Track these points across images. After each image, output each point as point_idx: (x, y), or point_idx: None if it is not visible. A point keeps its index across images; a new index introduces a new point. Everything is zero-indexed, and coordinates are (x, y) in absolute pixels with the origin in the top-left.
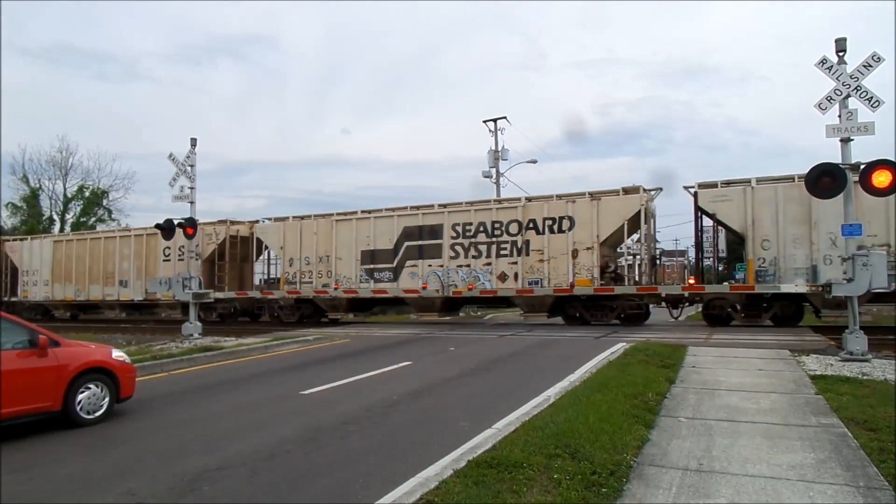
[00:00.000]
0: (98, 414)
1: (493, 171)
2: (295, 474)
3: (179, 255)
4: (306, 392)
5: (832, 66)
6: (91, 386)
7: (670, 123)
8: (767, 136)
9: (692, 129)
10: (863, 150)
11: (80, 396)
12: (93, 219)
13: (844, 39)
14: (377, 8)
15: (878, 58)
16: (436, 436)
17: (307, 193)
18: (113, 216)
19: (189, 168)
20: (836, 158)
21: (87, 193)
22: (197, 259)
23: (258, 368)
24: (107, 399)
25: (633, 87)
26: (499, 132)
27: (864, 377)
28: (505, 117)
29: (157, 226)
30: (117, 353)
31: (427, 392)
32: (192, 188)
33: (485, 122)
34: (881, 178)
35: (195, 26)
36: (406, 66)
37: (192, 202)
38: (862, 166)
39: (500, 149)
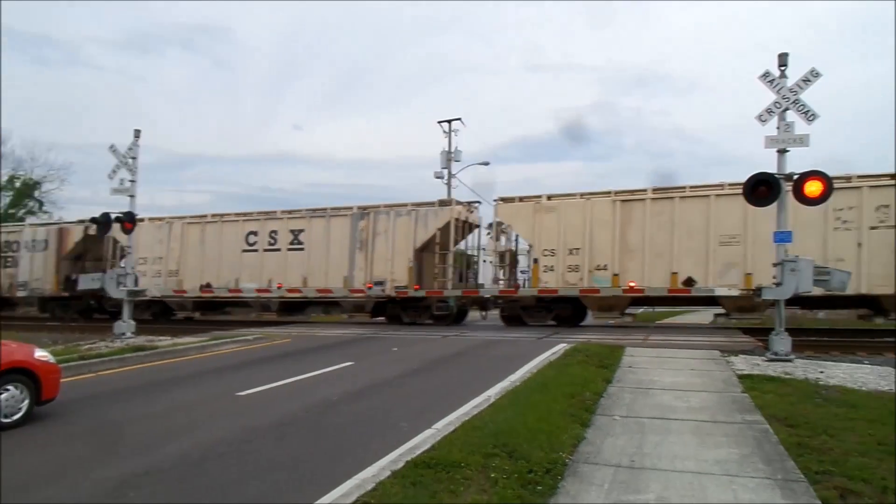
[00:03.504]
0: (16, 417)
1: (445, 172)
2: (228, 478)
3: None
4: (243, 393)
5: (774, 80)
6: (10, 387)
7: (620, 129)
8: (711, 145)
9: (640, 136)
10: (801, 163)
11: None
12: (22, 210)
13: (787, 55)
14: (332, 6)
15: (816, 73)
16: (375, 437)
17: (253, 189)
18: (45, 208)
19: (131, 160)
20: (774, 168)
21: (17, 184)
22: (129, 253)
23: (194, 369)
24: (26, 401)
25: (585, 93)
26: (453, 133)
27: (787, 376)
28: (459, 118)
29: (93, 220)
30: (40, 353)
31: (368, 393)
32: (132, 181)
33: (439, 122)
34: (813, 188)
35: (144, 13)
36: (360, 64)
37: (132, 196)
38: (795, 176)
39: (453, 150)
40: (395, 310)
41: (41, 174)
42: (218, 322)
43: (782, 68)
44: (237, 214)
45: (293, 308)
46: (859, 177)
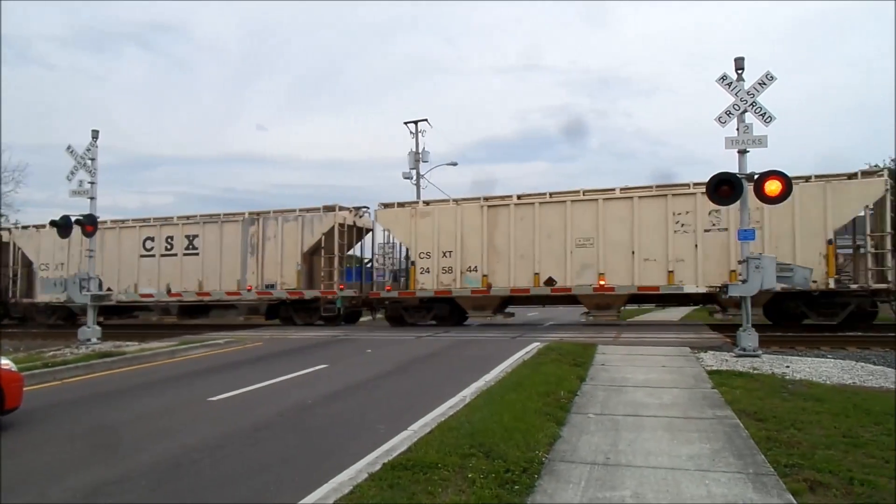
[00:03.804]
0: None
1: (414, 172)
2: (202, 485)
3: None
4: (216, 398)
5: (731, 83)
6: None
7: (585, 131)
8: (674, 146)
9: (605, 137)
10: (761, 164)
11: None
12: None
13: (743, 59)
14: (295, 6)
15: (771, 76)
16: (351, 439)
17: (220, 191)
18: (1, 211)
19: (89, 161)
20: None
21: None
22: (91, 256)
23: (164, 374)
24: None
25: (550, 95)
26: (420, 134)
27: (755, 371)
28: (426, 119)
29: (52, 222)
30: (2, 361)
31: (343, 395)
32: (92, 183)
33: (406, 123)
34: (772, 187)
35: (96, 10)
36: (325, 65)
37: (92, 198)
38: (756, 176)
39: (420, 151)
40: (287, 311)
41: None
42: (187, 326)
43: (739, 72)
44: (135, 220)
45: (194, 311)
46: (695, 184)
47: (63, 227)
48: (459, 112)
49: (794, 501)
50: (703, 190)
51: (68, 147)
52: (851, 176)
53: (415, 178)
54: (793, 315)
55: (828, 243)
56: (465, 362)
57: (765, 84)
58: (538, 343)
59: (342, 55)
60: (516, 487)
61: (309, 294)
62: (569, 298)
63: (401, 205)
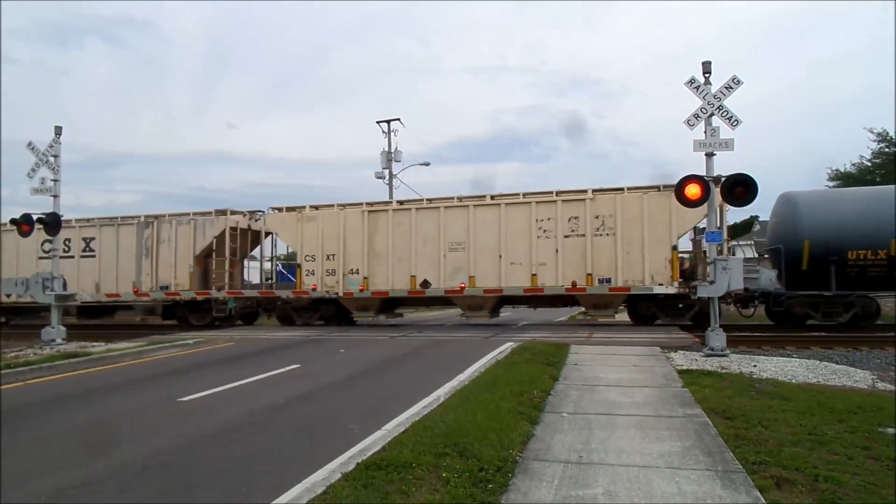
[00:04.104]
0: None
1: (387, 172)
2: (171, 487)
3: None
4: (185, 399)
5: (699, 86)
6: None
7: (556, 131)
8: (645, 147)
9: (577, 138)
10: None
11: None
12: None
13: (710, 62)
14: (266, 3)
15: (738, 80)
16: (324, 440)
17: (189, 189)
18: None
19: (52, 159)
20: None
21: None
22: (53, 256)
23: (132, 375)
24: None
25: (522, 95)
26: (392, 134)
27: (723, 370)
28: (398, 119)
29: (13, 221)
30: None
31: (315, 395)
32: (55, 180)
33: (378, 122)
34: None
35: (59, 3)
36: (297, 62)
37: (55, 196)
38: (722, 179)
39: (393, 150)
40: (183, 312)
41: None
42: (156, 326)
43: (706, 75)
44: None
45: (93, 312)
46: (557, 192)
47: (24, 225)
48: (432, 112)
49: (762, 498)
50: (564, 198)
51: (29, 143)
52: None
53: (387, 177)
54: (646, 316)
55: (672, 249)
56: (439, 362)
57: (731, 88)
58: (512, 343)
59: (314, 54)
60: (490, 486)
61: (200, 296)
62: (441, 300)
63: (289, 209)
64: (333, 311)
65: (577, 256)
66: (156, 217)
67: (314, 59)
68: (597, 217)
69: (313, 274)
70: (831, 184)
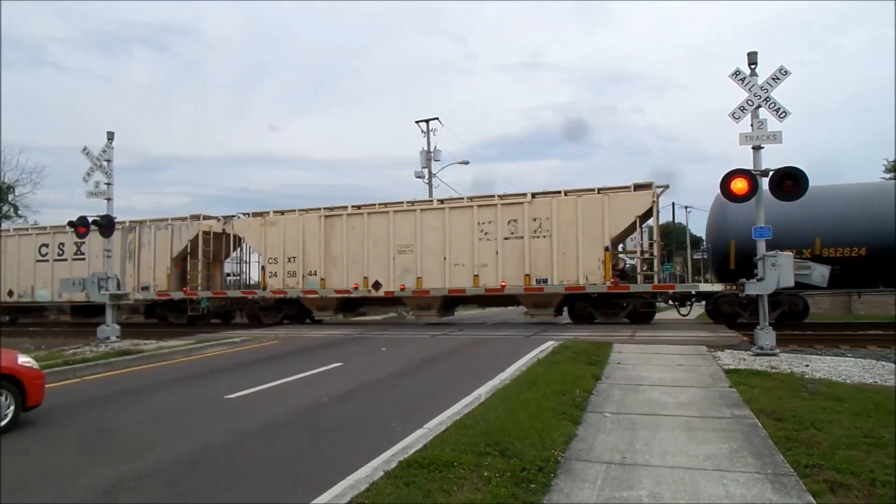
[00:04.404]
0: (2, 423)
1: (426, 171)
2: (219, 481)
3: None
4: (232, 396)
5: (745, 78)
6: None
7: (595, 128)
8: (686, 142)
9: (616, 134)
10: (775, 158)
11: None
12: None
13: (756, 53)
14: (303, 4)
15: (785, 71)
16: (366, 437)
17: (233, 191)
18: (20, 212)
19: (105, 163)
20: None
21: None
22: (109, 256)
23: (181, 372)
24: (12, 408)
25: (559, 92)
26: (431, 133)
27: (773, 370)
28: (437, 118)
29: (70, 223)
30: (23, 359)
31: (358, 393)
32: (108, 184)
33: (417, 122)
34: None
35: (105, 12)
36: (333, 63)
37: (108, 199)
38: (771, 173)
39: (432, 149)
40: (163, 311)
41: (13, 178)
42: (85, 324)
43: (752, 66)
44: (33, 228)
45: (86, 311)
46: (499, 196)
47: (81, 227)
48: (470, 110)
49: (815, 502)
50: (504, 201)
51: (84, 149)
52: (626, 189)
53: (427, 177)
54: (582, 315)
55: (605, 250)
56: (479, 361)
57: (779, 79)
58: (553, 341)
59: (349, 54)
60: (532, 486)
61: (176, 295)
62: (394, 300)
63: (255, 214)
64: (296, 311)
65: (515, 257)
66: (139, 222)
67: (349, 59)
68: (534, 220)
69: (276, 276)
70: (887, 175)
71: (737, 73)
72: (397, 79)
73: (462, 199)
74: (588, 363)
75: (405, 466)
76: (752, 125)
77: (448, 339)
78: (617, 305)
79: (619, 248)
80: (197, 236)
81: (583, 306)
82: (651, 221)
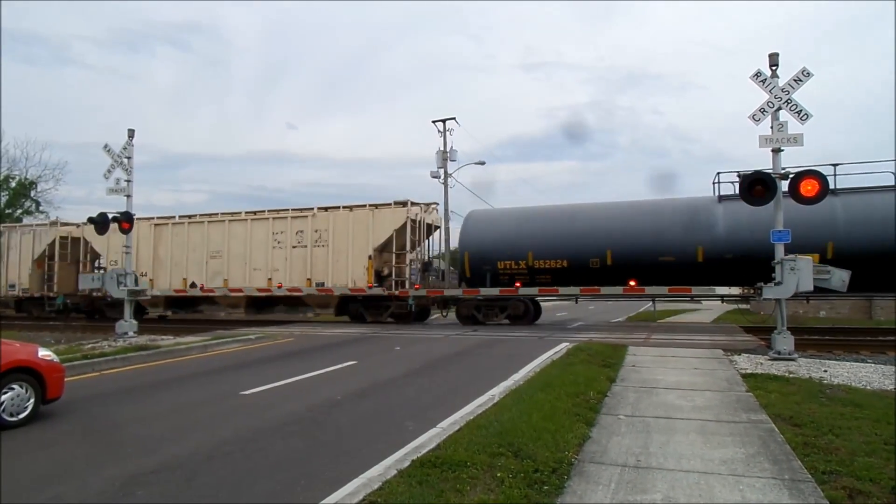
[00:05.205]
0: (22, 416)
1: (442, 171)
2: (235, 476)
3: None
4: (247, 392)
5: (766, 80)
6: (14, 386)
7: (614, 128)
8: (705, 144)
9: (635, 135)
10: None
11: (2, 397)
12: (19, 210)
13: (777, 54)
14: (321, 4)
15: (808, 73)
16: (380, 436)
17: (251, 189)
18: (41, 208)
19: (126, 160)
20: (768, 167)
21: (13, 184)
22: (128, 253)
23: (197, 368)
24: (32, 400)
25: (578, 92)
26: (447, 133)
27: (791, 375)
28: (454, 118)
29: (90, 219)
30: (44, 352)
31: (372, 392)
32: (128, 181)
33: (434, 122)
34: (809, 187)
35: (130, 11)
36: (351, 62)
37: (128, 196)
38: (791, 175)
39: (448, 149)
40: (28, 307)
41: (36, 174)
42: (220, 322)
43: (773, 68)
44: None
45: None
46: (291, 210)
47: (100, 224)
48: (487, 110)
49: None
50: (293, 214)
51: (105, 146)
52: (388, 205)
53: (442, 177)
54: (354, 315)
55: (368, 258)
56: (493, 361)
57: (801, 81)
58: (567, 343)
59: (366, 54)
60: (545, 488)
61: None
62: (209, 299)
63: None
64: (133, 307)
65: (301, 263)
66: (10, 227)
67: (367, 59)
68: (316, 231)
69: None
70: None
71: (757, 74)
72: (415, 78)
73: (263, 212)
74: (603, 365)
75: (418, 465)
76: (772, 127)
77: (462, 339)
78: (381, 307)
79: (412, 256)
80: (55, 241)
81: (355, 307)
82: (411, 235)
